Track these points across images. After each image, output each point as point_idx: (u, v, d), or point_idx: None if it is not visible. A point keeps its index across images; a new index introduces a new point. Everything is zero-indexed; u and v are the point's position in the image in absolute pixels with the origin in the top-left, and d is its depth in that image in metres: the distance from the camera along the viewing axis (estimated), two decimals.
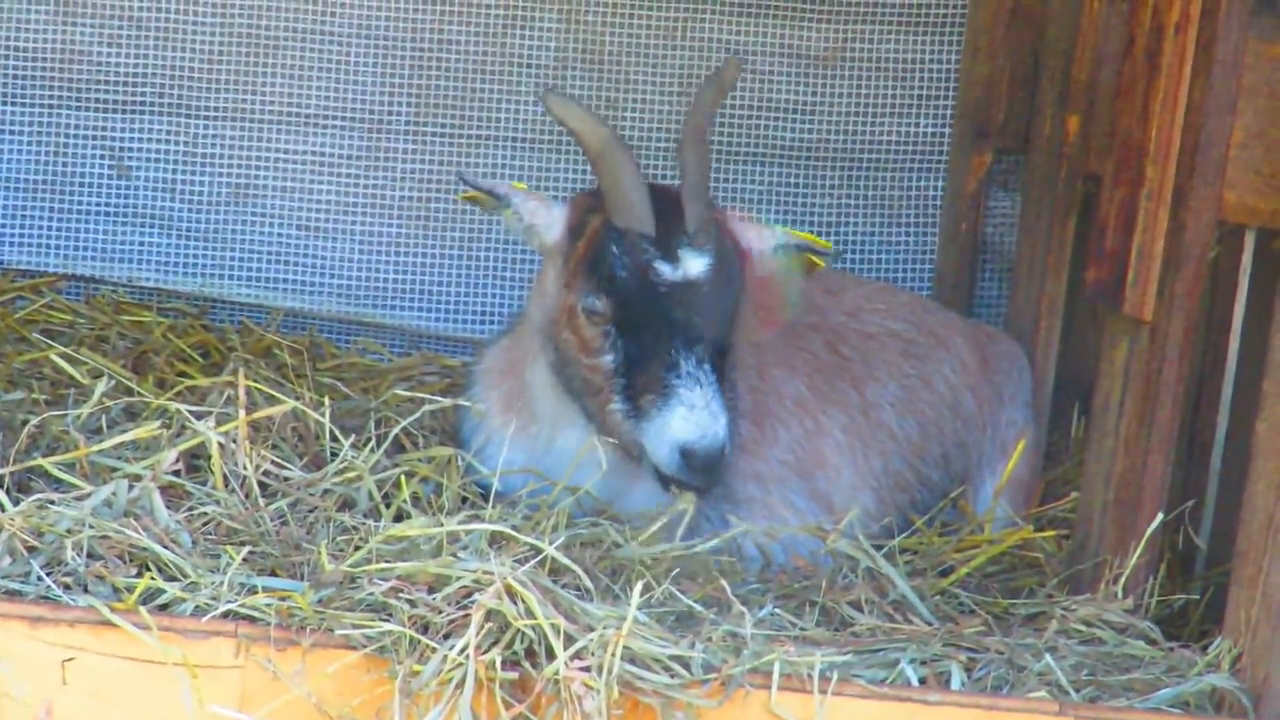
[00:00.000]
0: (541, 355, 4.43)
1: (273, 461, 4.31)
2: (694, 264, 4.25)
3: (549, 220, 4.42)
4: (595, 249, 4.28)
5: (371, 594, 3.79)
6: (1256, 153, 4.30)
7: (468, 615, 3.71)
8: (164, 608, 3.81)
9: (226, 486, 4.22)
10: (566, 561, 3.97)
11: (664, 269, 4.23)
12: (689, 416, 4.15)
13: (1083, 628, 4.28)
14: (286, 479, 4.30)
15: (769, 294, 4.53)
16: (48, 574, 3.84)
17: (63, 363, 4.77)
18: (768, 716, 3.80)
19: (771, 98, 5.62)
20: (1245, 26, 4.25)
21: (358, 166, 5.60)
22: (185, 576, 3.88)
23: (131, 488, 4.08)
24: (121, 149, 5.56)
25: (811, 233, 4.84)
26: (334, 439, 4.46)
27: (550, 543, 3.98)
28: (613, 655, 3.70)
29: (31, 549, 3.89)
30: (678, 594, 4.09)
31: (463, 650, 3.68)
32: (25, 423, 4.40)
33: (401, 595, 3.77)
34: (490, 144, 5.57)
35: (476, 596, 3.73)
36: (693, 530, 4.46)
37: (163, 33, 5.51)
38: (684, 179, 4.26)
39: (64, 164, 5.56)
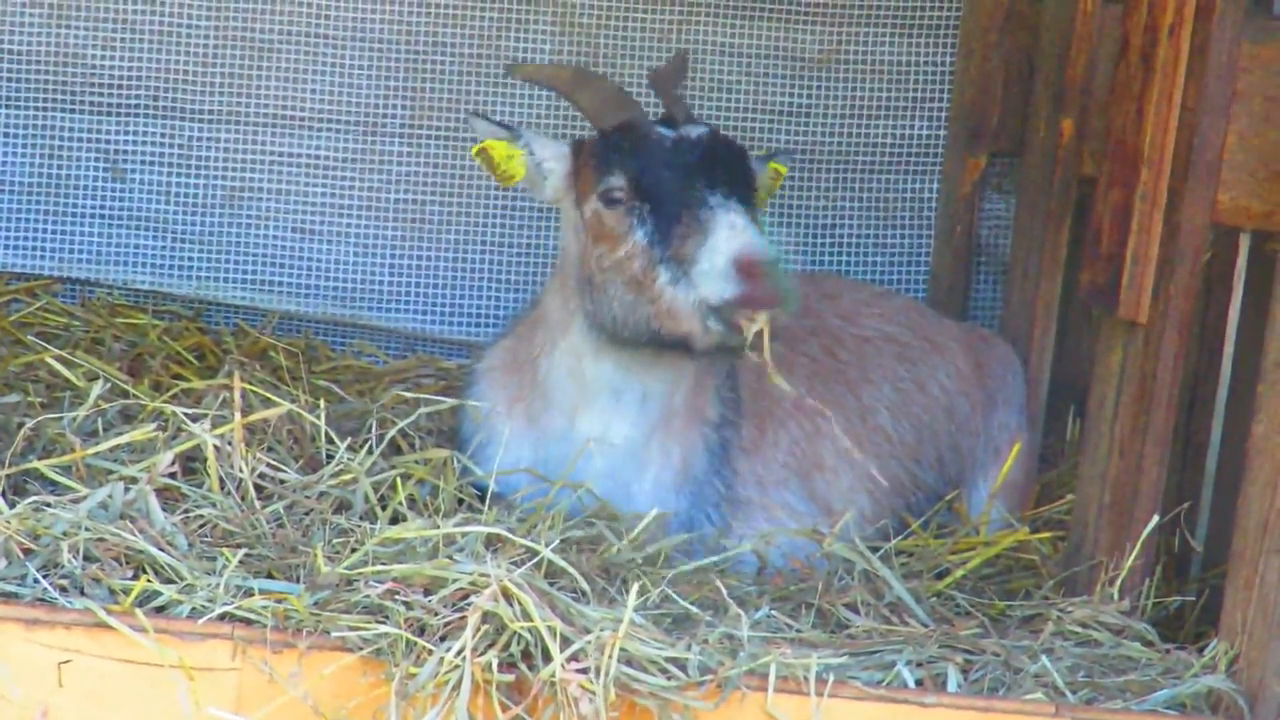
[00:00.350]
0: (567, 322, 4.44)
1: (268, 464, 4.31)
2: (695, 130, 4.38)
3: (557, 153, 4.50)
4: (597, 151, 4.39)
5: (368, 596, 3.79)
6: (1250, 155, 4.30)
7: (464, 617, 3.71)
8: (160, 610, 3.81)
9: (222, 489, 4.22)
10: (563, 564, 3.97)
11: (665, 131, 4.37)
12: (732, 234, 4.19)
13: (1079, 629, 4.29)
14: (282, 481, 4.30)
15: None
16: (44, 576, 3.84)
17: (58, 365, 4.77)
18: (764, 718, 3.80)
19: (766, 100, 5.62)
20: (1239, 29, 4.26)
21: (353, 169, 5.60)
22: (181, 579, 3.88)
23: (127, 490, 4.08)
24: (116, 152, 5.56)
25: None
26: (330, 441, 4.46)
27: (546, 545, 3.98)
28: (609, 657, 3.70)
29: (28, 551, 3.89)
30: (674, 596, 4.09)
31: (459, 652, 3.68)
32: (21, 425, 4.40)
33: (398, 597, 3.77)
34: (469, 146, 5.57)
35: (473, 599, 3.73)
36: (693, 528, 4.47)
37: (157, 36, 5.51)
38: (660, 80, 4.51)
39: (59, 167, 5.56)
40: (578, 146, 4.48)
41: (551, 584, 3.89)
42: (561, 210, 4.54)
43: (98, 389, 4.48)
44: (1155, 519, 4.41)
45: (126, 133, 5.55)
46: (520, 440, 4.48)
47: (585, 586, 3.96)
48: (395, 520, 4.20)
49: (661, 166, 4.30)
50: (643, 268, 4.28)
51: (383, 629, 3.73)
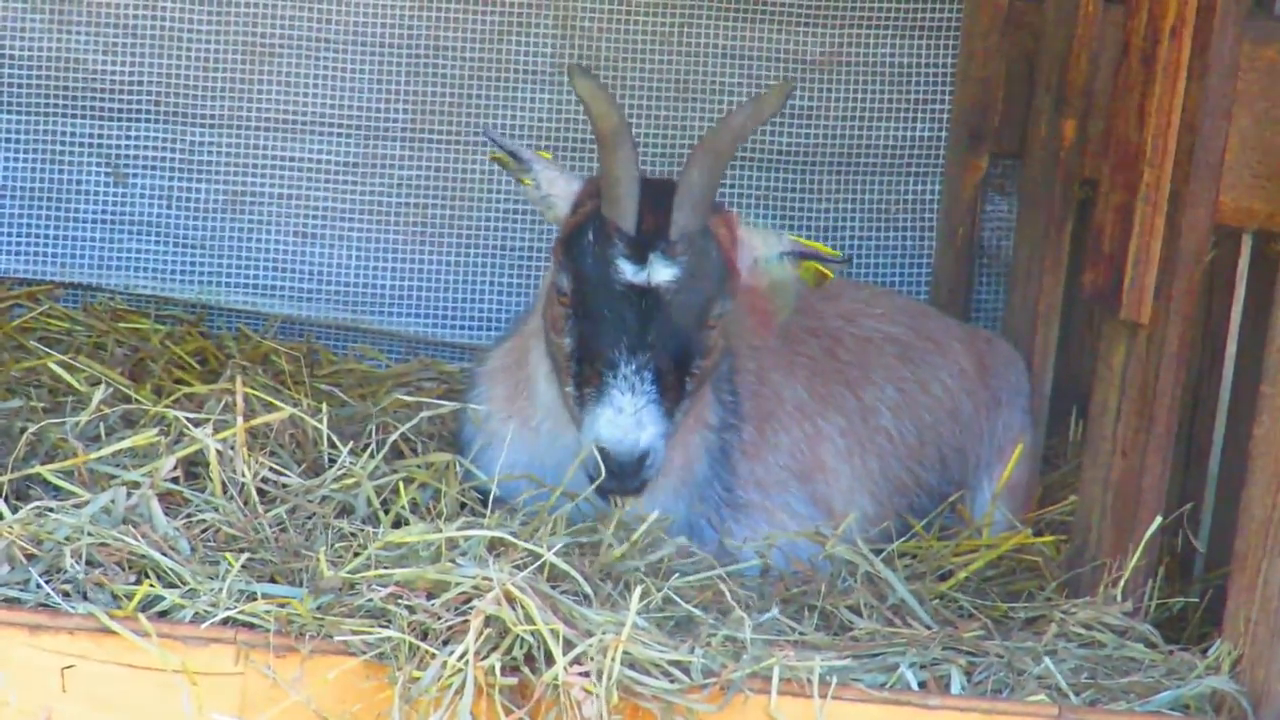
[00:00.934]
0: (543, 334, 4.45)
1: (271, 468, 4.31)
2: (661, 272, 4.23)
3: (564, 193, 4.44)
4: (578, 230, 4.30)
5: (370, 600, 3.79)
6: (1252, 155, 4.31)
7: (467, 621, 3.71)
8: (163, 615, 3.81)
9: (225, 493, 4.22)
10: (566, 567, 3.97)
11: (626, 268, 4.23)
12: (613, 420, 4.16)
13: (1082, 631, 4.28)
14: (285, 486, 4.30)
15: (761, 301, 4.52)
16: (47, 581, 3.84)
17: (60, 370, 4.77)
18: None
19: None
20: (1240, 30, 4.26)
21: (354, 173, 5.60)
22: (184, 583, 3.88)
23: (130, 495, 4.08)
24: (118, 156, 5.56)
25: (808, 238, 4.84)
26: (332, 445, 4.46)
27: (549, 548, 3.98)
28: (612, 660, 3.70)
29: (30, 556, 3.89)
30: (677, 599, 4.09)
31: (462, 656, 3.68)
32: (23, 430, 4.40)
33: (401, 601, 3.77)
34: (486, 150, 5.57)
35: (476, 602, 3.73)
36: (694, 532, 4.46)
37: (159, 40, 5.51)
38: (680, 187, 4.25)
39: (61, 172, 5.56)
40: (581, 196, 4.42)
41: (554, 587, 3.89)
42: None
43: (100, 394, 4.48)
44: (1158, 520, 4.41)
45: (128, 137, 5.56)
46: (517, 444, 4.48)
47: (588, 590, 3.96)
48: (398, 524, 4.20)
49: (601, 304, 4.23)
50: (562, 366, 4.31)
51: (386, 633, 3.73)
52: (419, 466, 4.48)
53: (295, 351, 5.34)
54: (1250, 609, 4.01)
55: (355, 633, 3.74)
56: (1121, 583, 4.39)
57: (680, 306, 4.24)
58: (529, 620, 3.71)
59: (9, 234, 5.56)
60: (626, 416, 4.16)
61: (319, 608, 3.80)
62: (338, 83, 5.55)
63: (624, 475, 4.16)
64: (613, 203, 4.24)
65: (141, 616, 3.74)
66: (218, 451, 4.24)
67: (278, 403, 4.51)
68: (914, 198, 5.71)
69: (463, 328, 5.66)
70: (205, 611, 3.80)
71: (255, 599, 3.84)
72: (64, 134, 5.54)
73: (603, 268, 4.23)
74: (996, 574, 4.74)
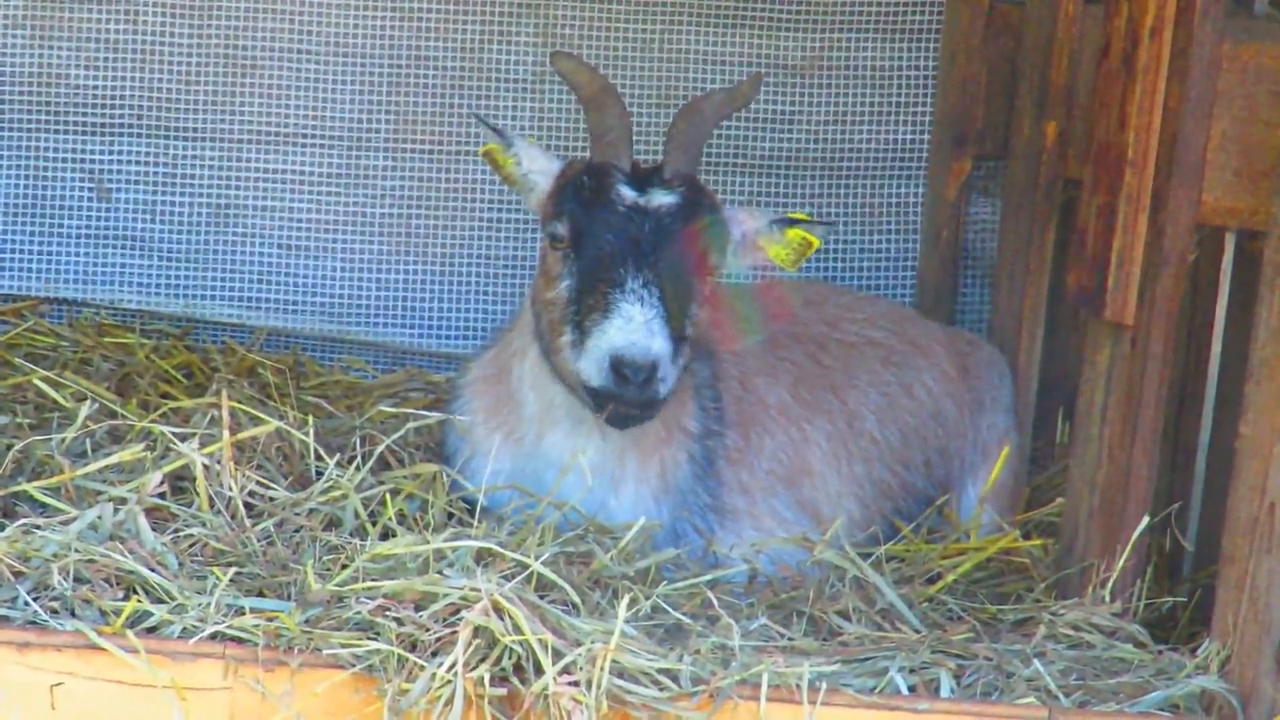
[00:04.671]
0: (531, 338, 4.44)
1: (258, 482, 4.31)
2: (660, 198, 4.33)
3: (545, 169, 4.50)
4: (571, 180, 4.39)
5: (359, 613, 3.79)
6: (1234, 154, 4.31)
7: (455, 632, 3.71)
8: (151, 630, 3.80)
9: (212, 508, 4.22)
10: (553, 577, 3.97)
11: (627, 192, 4.33)
12: (624, 327, 4.18)
13: (1071, 632, 4.29)
14: (272, 499, 4.30)
15: (727, 321, 4.55)
16: (35, 599, 3.84)
17: (46, 387, 4.76)
18: None
19: (751, 108, 5.62)
20: (1220, 30, 4.27)
21: (338, 185, 5.60)
22: (172, 599, 3.88)
23: (117, 511, 4.08)
24: (101, 171, 5.55)
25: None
26: (319, 458, 4.46)
27: (536, 558, 3.98)
28: (601, 669, 3.70)
29: (18, 574, 3.89)
30: (665, 606, 4.09)
31: (451, 667, 3.68)
32: (9, 447, 4.39)
33: (389, 613, 3.77)
34: (470, 159, 5.57)
35: (464, 613, 3.73)
36: (679, 538, 4.47)
37: (140, 55, 5.50)
38: (670, 135, 4.37)
39: (44, 187, 5.55)
40: (564, 171, 4.48)
41: (542, 597, 3.89)
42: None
43: (86, 409, 4.48)
44: (1145, 520, 4.41)
45: (111, 152, 5.55)
46: (502, 455, 4.48)
47: (576, 599, 3.96)
48: (385, 536, 4.19)
49: (603, 229, 4.29)
50: (559, 317, 4.33)
51: (374, 645, 3.73)
52: (406, 477, 4.48)
53: (281, 364, 5.33)
54: (1238, 608, 4.01)
55: (344, 645, 3.74)
56: (1110, 583, 4.39)
57: (679, 233, 4.32)
58: (517, 630, 3.71)
59: None
60: (637, 324, 4.18)
61: (307, 621, 3.81)
62: (320, 95, 5.55)
63: (639, 384, 4.15)
64: (606, 146, 4.35)
65: (130, 633, 3.74)
66: (204, 466, 4.23)
67: (264, 416, 4.51)
68: (898, 201, 5.72)
69: (448, 338, 5.66)
70: (193, 626, 3.80)
71: (243, 613, 3.84)
72: (47, 149, 5.54)
73: (602, 196, 4.31)
74: (985, 576, 4.74)
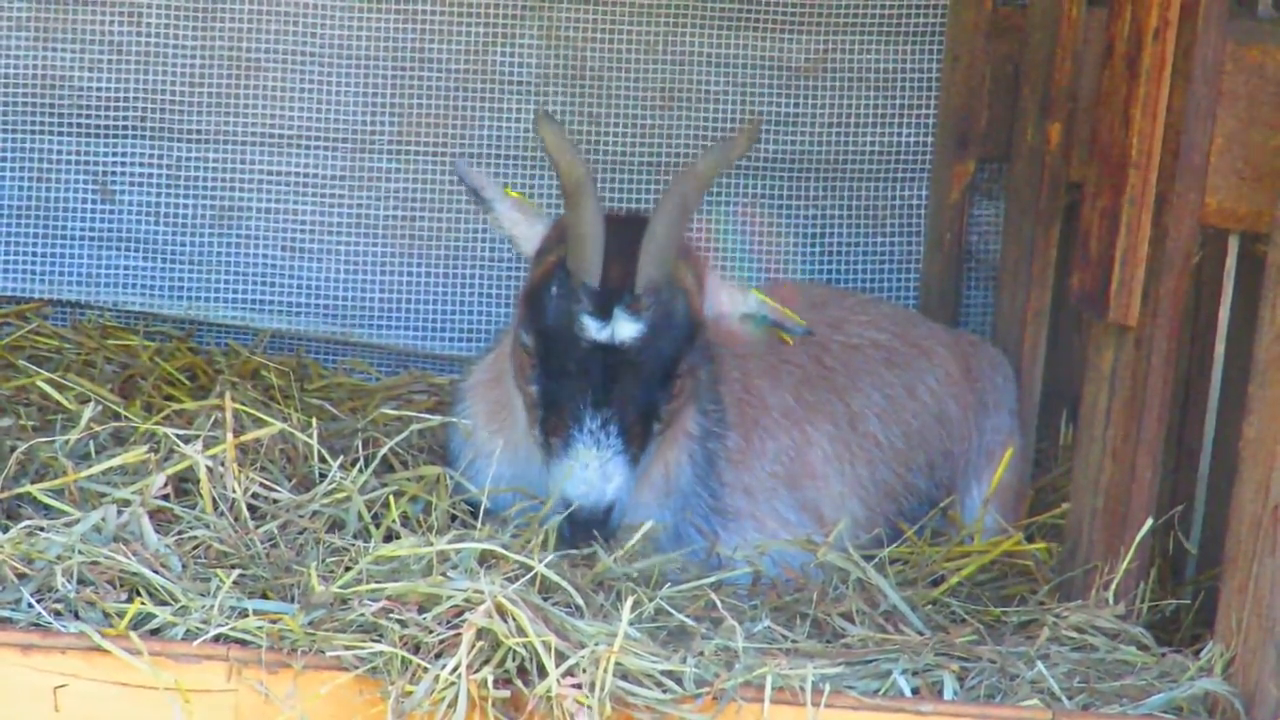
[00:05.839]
0: None
1: (261, 484, 4.31)
2: (625, 328, 4.22)
3: (528, 234, 4.44)
4: (541, 283, 4.29)
5: (362, 615, 3.79)
6: (1237, 156, 4.31)
7: (459, 634, 3.71)
8: (155, 632, 3.81)
9: (215, 510, 4.22)
10: (557, 578, 3.97)
11: (591, 325, 4.22)
12: (579, 474, 4.18)
13: (1074, 634, 4.28)
14: (275, 501, 4.30)
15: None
16: (38, 601, 3.84)
17: (49, 389, 4.76)
18: None
19: (753, 109, 5.62)
20: (1223, 31, 4.26)
21: (342, 186, 5.60)
22: (176, 601, 3.88)
23: (120, 513, 4.08)
24: (105, 173, 5.55)
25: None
26: (322, 460, 4.46)
27: (540, 560, 3.99)
28: (605, 672, 3.70)
29: (21, 576, 3.89)
30: (669, 609, 4.10)
31: (454, 669, 3.68)
32: (13, 449, 4.39)
33: (392, 615, 3.77)
34: (474, 162, 5.57)
35: (467, 615, 3.73)
36: (682, 541, 4.47)
37: (144, 57, 5.50)
38: (646, 239, 4.22)
39: (47, 189, 5.55)
40: (547, 241, 4.39)
41: (546, 599, 3.89)
42: None
43: (89, 411, 4.48)
44: (1149, 522, 4.41)
45: (115, 154, 5.55)
46: (504, 459, 4.48)
47: (579, 601, 3.96)
48: (389, 538, 4.20)
49: (566, 359, 4.23)
50: (529, 409, 4.33)
51: (378, 647, 3.73)
52: (409, 480, 4.48)
53: (285, 366, 5.32)
54: (1242, 610, 4.01)
55: (347, 648, 3.74)
56: (1113, 585, 4.39)
57: (645, 362, 4.25)
58: (521, 632, 3.71)
59: None
60: (592, 472, 4.19)
61: (311, 623, 3.80)
62: (324, 96, 5.55)
63: (591, 526, 4.19)
64: (577, 256, 4.22)
65: (133, 634, 3.74)
66: (208, 468, 4.23)
67: (267, 418, 4.51)
68: (901, 203, 5.72)
69: (452, 340, 5.66)
70: (197, 628, 3.80)
71: (247, 615, 3.84)
72: (50, 151, 5.54)
73: (566, 324, 4.22)
74: (988, 578, 4.74)
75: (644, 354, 4.24)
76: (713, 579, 4.29)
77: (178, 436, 4.33)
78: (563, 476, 4.19)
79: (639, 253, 4.22)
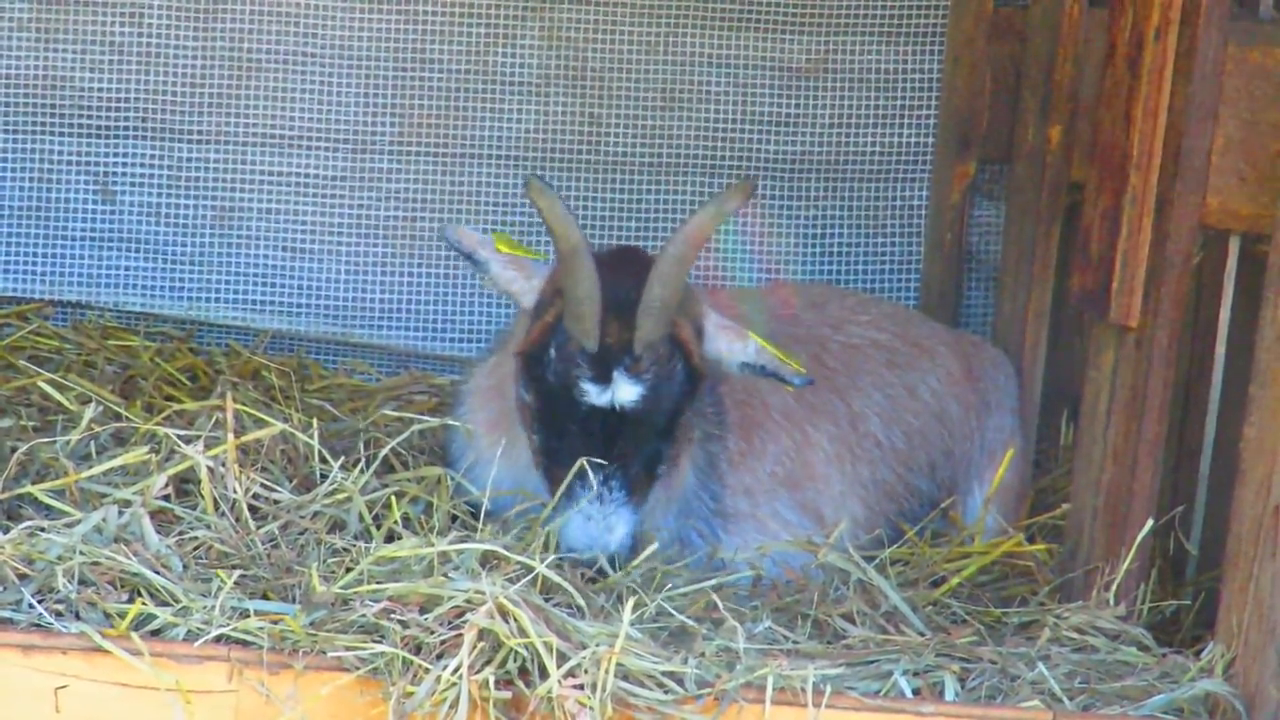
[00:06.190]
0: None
1: (262, 484, 4.31)
2: (625, 391, 4.22)
3: (525, 290, 4.41)
4: (541, 342, 4.28)
5: (363, 615, 3.78)
6: (1239, 157, 4.31)
7: (460, 635, 3.71)
8: (156, 633, 3.80)
9: (216, 510, 4.22)
10: (558, 579, 3.97)
11: (590, 389, 4.22)
12: (583, 526, 4.20)
13: (1075, 635, 4.28)
14: (276, 502, 4.29)
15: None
16: (39, 601, 3.84)
17: (50, 389, 4.76)
18: None
19: (754, 110, 5.62)
20: (1224, 32, 4.26)
21: (342, 187, 5.60)
22: (177, 601, 3.88)
23: (121, 513, 4.08)
24: (106, 174, 5.55)
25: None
26: (323, 460, 4.46)
27: (541, 561, 3.99)
28: (606, 672, 3.70)
29: (22, 576, 3.89)
30: (670, 610, 4.10)
31: (456, 670, 3.68)
32: (14, 450, 4.39)
33: (393, 616, 3.77)
34: (474, 162, 5.58)
35: (469, 616, 3.73)
36: (682, 545, 4.47)
37: (145, 57, 5.51)
38: (644, 300, 4.20)
39: (48, 190, 5.55)
40: (545, 294, 4.36)
41: (547, 600, 3.89)
42: None
43: (90, 412, 4.48)
44: (1150, 523, 4.41)
45: (116, 154, 5.55)
46: (502, 466, 4.47)
47: (581, 602, 3.97)
48: (390, 539, 4.20)
49: (566, 420, 4.25)
50: (534, 455, 4.35)
51: (379, 648, 3.73)
52: (410, 481, 4.48)
53: (285, 366, 5.32)
54: (1243, 611, 4.01)
55: (348, 648, 3.74)
56: (1114, 586, 4.39)
57: (647, 419, 4.26)
58: (522, 633, 3.71)
59: None
60: (595, 525, 4.21)
61: (312, 624, 3.80)
62: (324, 97, 5.55)
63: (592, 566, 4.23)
64: (575, 319, 4.21)
65: (134, 635, 3.74)
66: (209, 468, 4.23)
67: (268, 419, 4.50)
68: (902, 204, 5.72)
69: (453, 340, 5.66)
70: (198, 629, 3.80)
71: (248, 616, 3.84)
72: (51, 151, 5.54)
73: (566, 388, 4.23)
74: (989, 579, 4.74)
75: (645, 413, 4.25)
76: (714, 580, 4.29)
77: (179, 437, 4.33)
78: (564, 524, 4.22)
79: (637, 313, 4.21)
